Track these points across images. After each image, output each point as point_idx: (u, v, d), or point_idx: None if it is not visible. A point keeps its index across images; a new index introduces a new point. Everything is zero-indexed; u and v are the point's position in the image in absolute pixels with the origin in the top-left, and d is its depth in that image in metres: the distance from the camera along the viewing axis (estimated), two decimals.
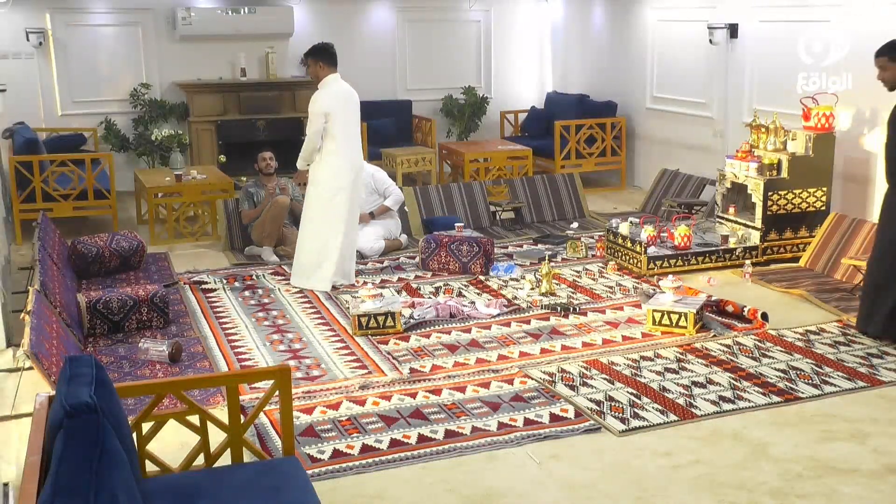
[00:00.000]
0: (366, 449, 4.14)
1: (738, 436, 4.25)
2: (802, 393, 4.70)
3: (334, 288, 6.59)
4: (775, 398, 4.63)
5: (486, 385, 4.84)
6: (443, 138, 11.42)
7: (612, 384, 4.83)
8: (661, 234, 7.12)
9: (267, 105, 10.79)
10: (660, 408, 4.53)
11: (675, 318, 5.56)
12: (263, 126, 10.75)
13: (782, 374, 4.94)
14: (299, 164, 6.74)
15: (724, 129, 8.95)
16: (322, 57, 6.53)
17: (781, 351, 5.28)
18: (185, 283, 6.76)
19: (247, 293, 6.57)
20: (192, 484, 3.06)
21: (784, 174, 7.02)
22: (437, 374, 5.01)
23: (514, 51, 12.14)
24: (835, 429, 4.32)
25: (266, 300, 6.42)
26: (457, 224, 7.39)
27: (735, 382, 4.83)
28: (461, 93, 11.61)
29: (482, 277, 6.88)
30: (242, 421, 3.38)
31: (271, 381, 3.40)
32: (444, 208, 8.49)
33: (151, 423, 3.34)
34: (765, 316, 5.73)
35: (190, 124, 10.57)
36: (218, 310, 6.22)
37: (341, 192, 6.56)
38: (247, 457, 3.49)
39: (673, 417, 4.42)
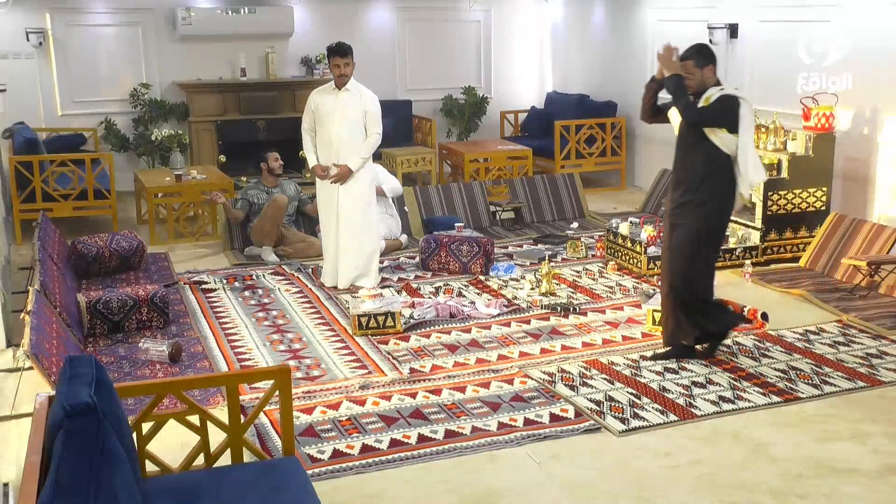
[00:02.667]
0: (366, 449, 4.15)
1: (738, 436, 4.25)
2: (802, 393, 4.70)
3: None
4: (775, 398, 4.64)
5: (486, 385, 4.84)
6: (443, 138, 11.42)
7: (612, 384, 4.83)
8: (662, 234, 7.11)
9: (267, 105, 10.79)
10: (660, 408, 4.53)
11: None
12: (263, 126, 10.75)
13: (782, 374, 4.94)
14: (360, 164, 6.53)
15: None
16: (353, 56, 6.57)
17: (781, 351, 5.29)
18: (185, 283, 6.76)
19: (247, 293, 6.57)
20: (192, 484, 3.06)
21: (784, 174, 7.02)
22: (437, 374, 5.01)
23: (515, 51, 12.14)
24: (834, 429, 4.32)
25: (266, 300, 6.42)
26: (457, 224, 7.39)
27: (735, 382, 4.84)
28: (461, 93, 11.61)
29: (482, 277, 6.88)
30: (242, 421, 3.39)
31: (271, 381, 3.40)
32: (444, 208, 8.49)
33: (151, 423, 3.34)
34: (765, 316, 5.73)
35: (190, 124, 10.57)
36: (218, 310, 6.22)
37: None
38: (247, 457, 3.49)
39: (673, 417, 4.43)
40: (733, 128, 4.85)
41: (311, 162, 6.67)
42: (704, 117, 4.87)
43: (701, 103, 4.89)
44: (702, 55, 4.96)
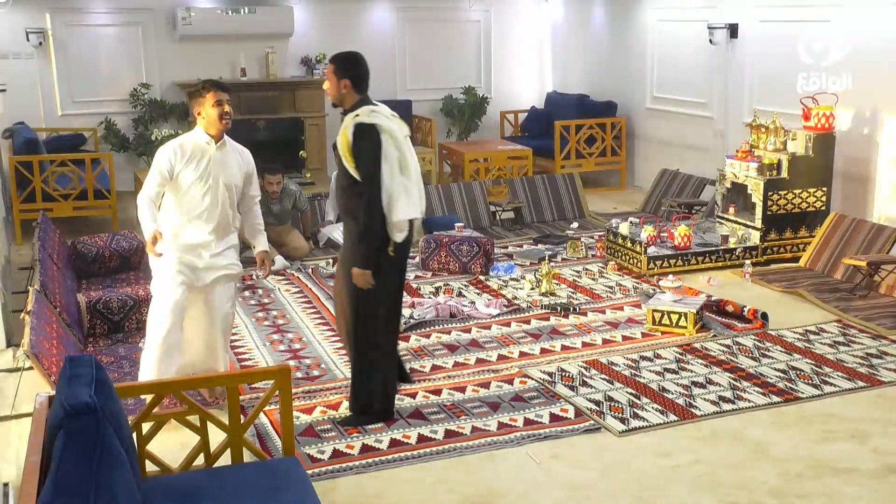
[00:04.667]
0: (366, 449, 4.15)
1: (738, 436, 4.25)
2: (802, 393, 4.70)
3: None
4: (775, 398, 4.64)
5: (486, 385, 4.84)
6: (443, 138, 11.42)
7: (612, 384, 4.83)
8: (661, 234, 7.12)
9: (267, 105, 10.79)
10: (659, 408, 4.53)
11: (675, 318, 5.57)
12: (263, 126, 10.75)
13: (782, 374, 4.94)
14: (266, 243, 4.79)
15: (724, 128, 8.95)
16: None
17: (781, 351, 5.29)
18: None
19: (247, 293, 6.57)
20: (192, 484, 3.06)
21: (784, 174, 7.01)
22: (436, 374, 5.01)
23: (514, 51, 12.13)
24: (834, 429, 4.32)
25: (266, 300, 6.41)
26: (457, 224, 7.39)
27: (735, 382, 4.83)
28: (461, 93, 11.61)
29: (482, 277, 6.88)
30: (242, 421, 3.39)
31: (271, 382, 3.40)
32: (444, 208, 8.49)
33: (151, 423, 3.34)
34: (765, 316, 5.73)
35: (190, 124, 10.54)
36: None
37: None
38: (247, 457, 3.49)
39: (673, 417, 4.43)
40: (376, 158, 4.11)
41: (150, 234, 4.26)
42: (373, 182, 4.09)
43: (339, 135, 4.18)
44: (341, 64, 4.25)
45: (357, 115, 4.17)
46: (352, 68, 4.28)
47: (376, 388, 4.41)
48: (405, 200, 4.19)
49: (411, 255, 7.49)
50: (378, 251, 4.20)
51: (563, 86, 11.83)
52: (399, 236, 4.23)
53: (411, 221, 4.31)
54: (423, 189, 4.43)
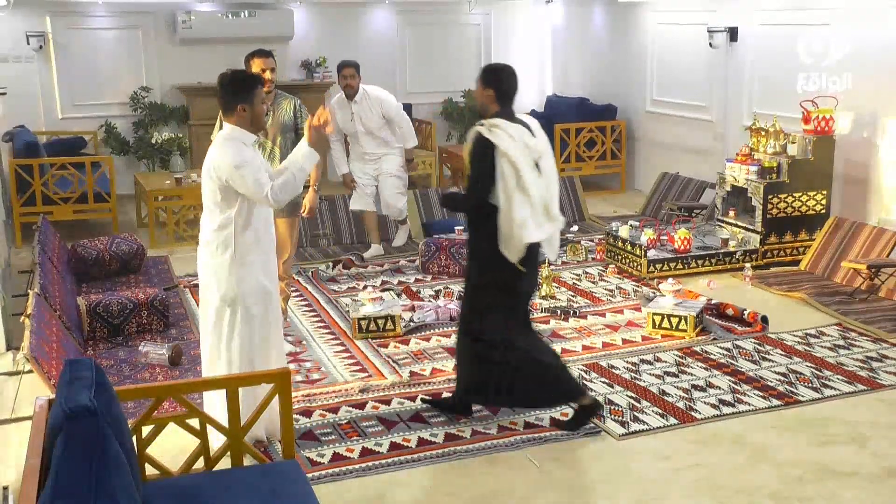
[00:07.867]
0: (366, 452, 4.14)
1: (738, 439, 4.25)
2: (802, 396, 4.70)
3: None
4: (775, 401, 4.63)
5: None
6: (443, 141, 11.42)
7: (612, 388, 4.83)
8: (661, 238, 7.12)
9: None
10: (659, 411, 4.52)
11: (675, 321, 5.56)
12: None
13: (782, 378, 4.94)
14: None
15: (724, 132, 8.95)
16: None
17: (781, 354, 5.28)
18: (184, 287, 6.75)
19: None
20: (191, 487, 3.06)
21: (784, 177, 7.02)
22: (437, 378, 5.00)
23: (515, 54, 12.12)
24: (835, 432, 4.32)
25: None
26: (457, 227, 7.38)
27: (735, 386, 4.83)
28: (461, 96, 11.62)
29: None
30: (242, 424, 3.38)
31: (271, 385, 3.40)
32: (444, 211, 8.48)
33: (151, 427, 3.34)
34: (765, 319, 5.73)
35: (190, 127, 10.57)
36: None
37: None
38: (246, 460, 3.49)
39: (673, 421, 4.42)
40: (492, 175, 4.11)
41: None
42: (475, 192, 4.19)
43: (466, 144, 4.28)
44: (487, 74, 4.39)
45: (482, 125, 4.19)
46: (495, 80, 4.35)
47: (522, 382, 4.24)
48: (531, 224, 4.27)
49: (411, 257, 7.53)
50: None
51: (562, 89, 11.83)
52: (512, 255, 4.19)
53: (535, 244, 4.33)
54: (558, 208, 4.50)
